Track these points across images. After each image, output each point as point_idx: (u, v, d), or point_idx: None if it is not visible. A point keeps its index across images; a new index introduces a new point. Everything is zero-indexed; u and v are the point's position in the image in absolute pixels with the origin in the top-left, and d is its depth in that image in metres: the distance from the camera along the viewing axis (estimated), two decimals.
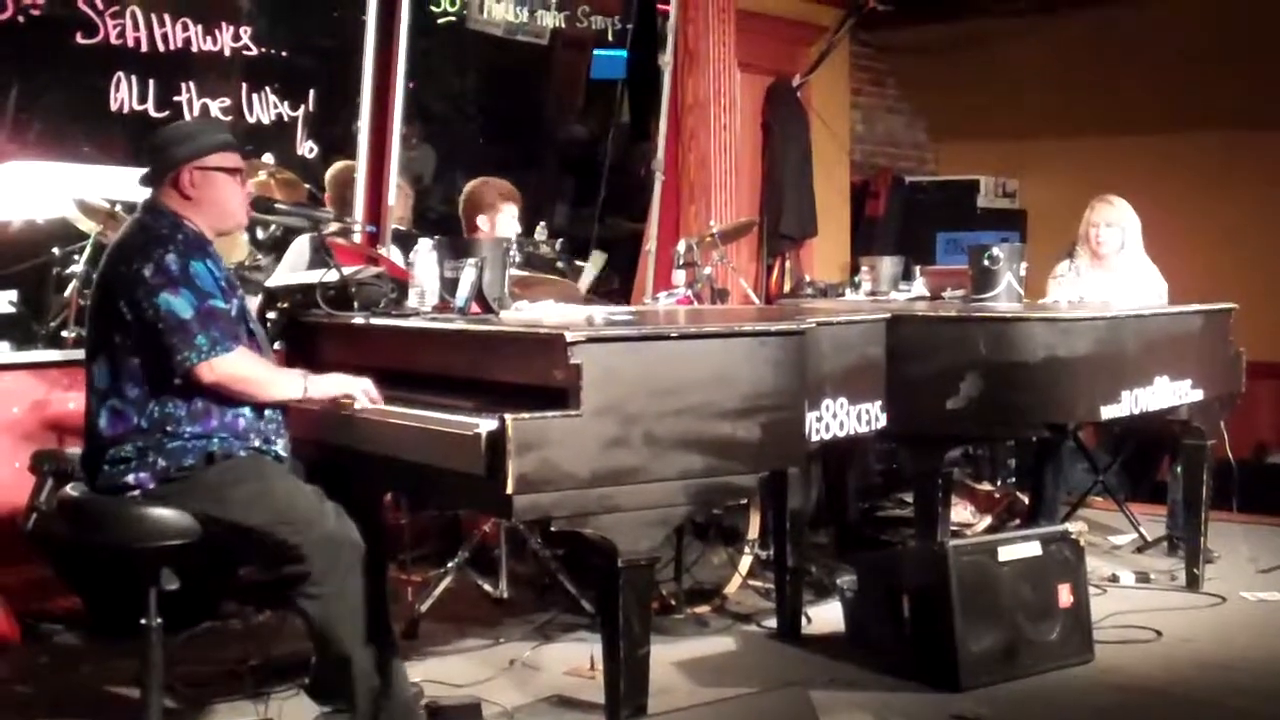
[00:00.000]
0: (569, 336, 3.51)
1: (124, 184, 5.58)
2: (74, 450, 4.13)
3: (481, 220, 5.80)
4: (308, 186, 6.22)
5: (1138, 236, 6.67)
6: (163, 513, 3.75)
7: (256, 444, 3.90)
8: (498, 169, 6.25)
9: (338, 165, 6.57)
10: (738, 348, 3.88)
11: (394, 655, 3.99)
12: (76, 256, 5.62)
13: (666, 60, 8.26)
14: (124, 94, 5.97)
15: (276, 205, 4.62)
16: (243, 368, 3.81)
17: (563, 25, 7.89)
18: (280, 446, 3.97)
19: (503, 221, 5.78)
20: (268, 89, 6.47)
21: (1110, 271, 6.63)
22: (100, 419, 3.84)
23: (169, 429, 3.80)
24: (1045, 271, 6.71)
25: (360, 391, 3.92)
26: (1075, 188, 9.18)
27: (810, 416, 4.23)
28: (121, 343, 3.81)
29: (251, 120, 6.38)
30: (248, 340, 3.93)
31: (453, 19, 7.33)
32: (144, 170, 4.00)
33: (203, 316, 3.76)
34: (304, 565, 3.73)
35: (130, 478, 3.78)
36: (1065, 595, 4.92)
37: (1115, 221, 6.60)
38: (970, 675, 4.64)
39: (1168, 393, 5.50)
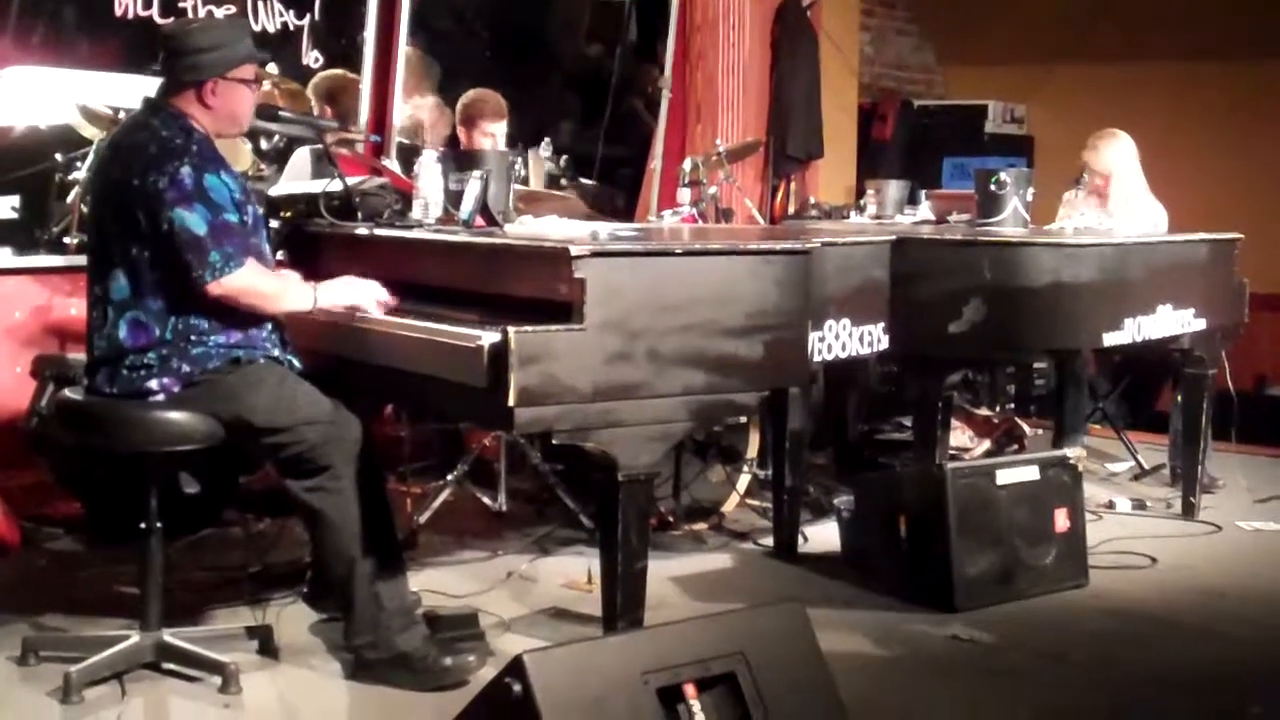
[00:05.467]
0: (574, 251, 3.51)
1: (128, 90, 5.54)
2: (76, 355, 4.13)
3: (461, 133, 5.81)
4: (310, 97, 6.16)
5: (1124, 173, 6.60)
6: (186, 416, 3.77)
7: (275, 353, 3.95)
8: (503, 85, 6.20)
9: (321, 75, 6.42)
10: (742, 266, 3.87)
11: (399, 564, 4.02)
12: (79, 163, 5.59)
13: None
14: None
15: (281, 114, 4.59)
16: (253, 281, 3.80)
17: None
18: (294, 358, 4.01)
19: (480, 140, 5.76)
20: None
21: (1104, 203, 6.60)
22: (120, 329, 3.82)
23: (193, 338, 3.82)
24: (1052, 198, 6.68)
25: (371, 300, 3.93)
26: (1084, 115, 9.11)
27: (813, 337, 4.24)
28: (140, 254, 3.79)
29: (257, 28, 6.31)
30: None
31: None
32: (162, 68, 3.94)
33: (216, 232, 3.74)
34: (322, 463, 3.79)
35: (154, 383, 3.79)
36: (1062, 520, 4.94)
37: (1091, 165, 6.57)
38: (965, 597, 4.67)
39: (1170, 321, 5.49)
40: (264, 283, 3.86)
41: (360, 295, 3.94)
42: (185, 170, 3.75)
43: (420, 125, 6.66)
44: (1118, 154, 6.56)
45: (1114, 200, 6.57)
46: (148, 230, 3.75)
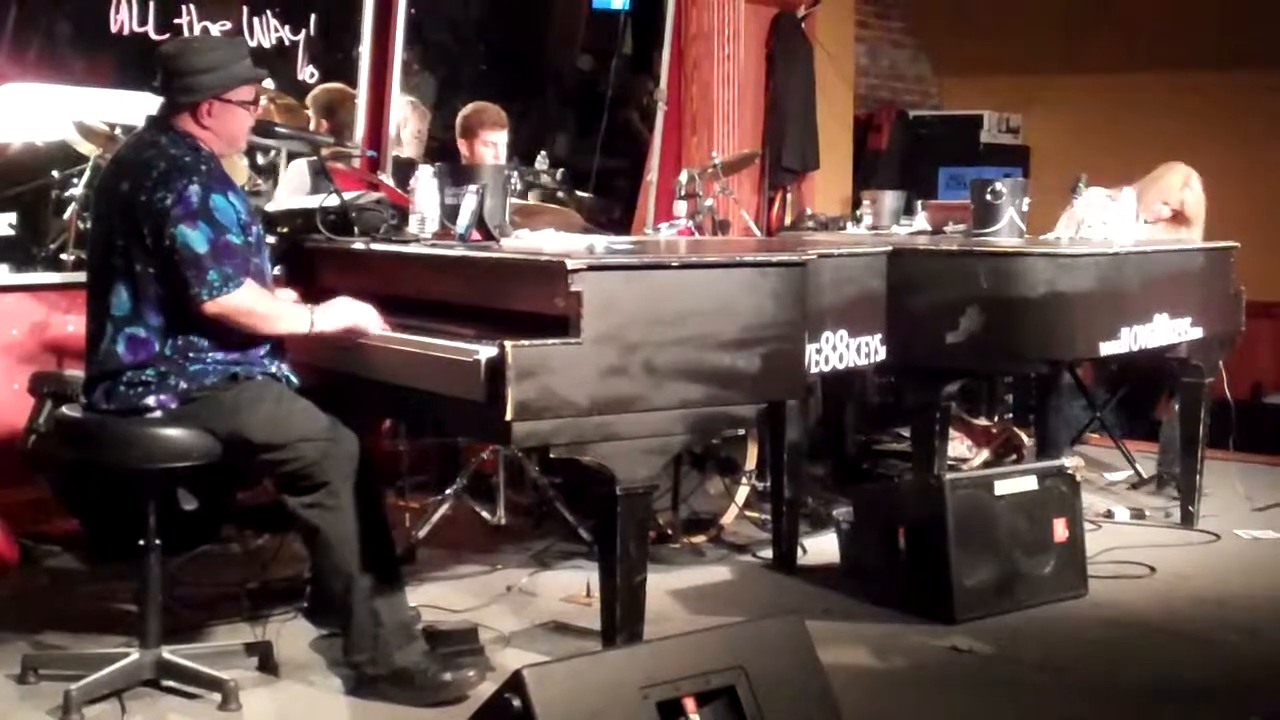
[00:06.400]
0: (570, 264, 3.51)
1: (124, 106, 5.55)
2: (73, 372, 4.12)
3: (462, 145, 5.81)
4: (308, 111, 6.17)
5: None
6: (183, 433, 3.78)
7: (273, 370, 3.95)
8: (499, 97, 6.21)
9: (320, 88, 6.44)
10: (739, 278, 3.87)
11: (397, 580, 4.01)
12: (76, 179, 5.60)
13: None
14: (124, 16, 5.91)
15: (277, 129, 4.60)
16: (249, 302, 3.80)
17: None
18: (292, 375, 4.01)
19: (481, 150, 5.76)
20: (268, 12, 6.40)
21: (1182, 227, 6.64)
22: (118, 345, 3.81)
23: (191, 355, 3.82)
24: (1048, 208, 6.68)
25: (367, 324, 3.91)
26: (1080, 125, 9.15)
27: (810, 348, 4.24)
28: (143, 270, 3.78)
29: (252, 44, 6.30)
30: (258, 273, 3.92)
31: None
32: (160, 87, 3.92)
33: (217, 251, 3.74)
34: (320, 479, 3.80)
35: (151, 399, 3.79)
36: (1060, 530, 4.94)
37: (1180, 201, 6.61)
38: (964, 608, 4.67)
39: (1167, 330, 5.49)
40: (260, 304, 3.85)
41: (357, 316, 3.92)
42: (193, 188, 3.75)
43: (397, 127, 6.68)
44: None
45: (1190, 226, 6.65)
46: (152, 246, 3.75)
